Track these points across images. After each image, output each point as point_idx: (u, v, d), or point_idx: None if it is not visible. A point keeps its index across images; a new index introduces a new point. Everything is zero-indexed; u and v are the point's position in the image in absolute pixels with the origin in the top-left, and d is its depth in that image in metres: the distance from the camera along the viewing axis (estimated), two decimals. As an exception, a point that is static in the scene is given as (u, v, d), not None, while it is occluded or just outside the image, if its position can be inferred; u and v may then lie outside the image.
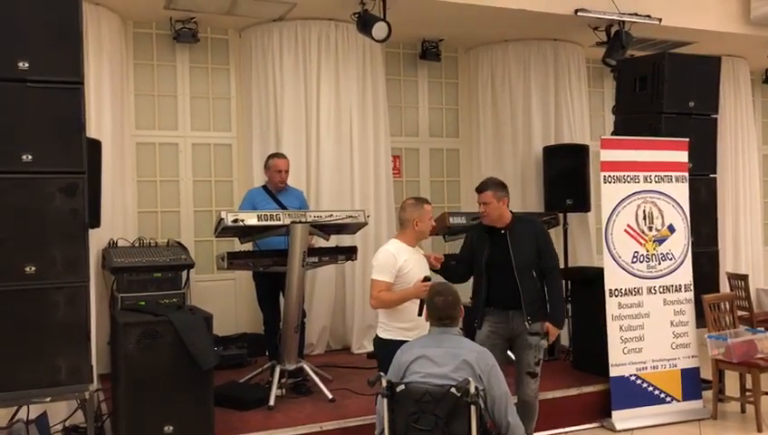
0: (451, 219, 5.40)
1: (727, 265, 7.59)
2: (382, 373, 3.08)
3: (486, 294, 4.08)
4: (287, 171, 5.35)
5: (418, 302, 3.67)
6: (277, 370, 4.77)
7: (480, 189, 4.12)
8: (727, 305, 5.40)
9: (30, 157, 3.53)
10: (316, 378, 4.85)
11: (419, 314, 3.65)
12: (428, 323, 3.29)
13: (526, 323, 4.00)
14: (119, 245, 5.37)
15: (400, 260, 3.78)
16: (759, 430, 4.80)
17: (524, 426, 3.93)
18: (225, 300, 6.33)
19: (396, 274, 3.77)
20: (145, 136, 6.24)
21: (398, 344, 3.44)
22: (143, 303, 4.81)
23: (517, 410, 3.93)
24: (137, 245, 5.40)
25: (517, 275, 3.99)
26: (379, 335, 3.84)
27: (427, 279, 3.71)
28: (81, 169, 3.66)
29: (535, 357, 4.04)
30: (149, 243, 5.44)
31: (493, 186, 4.11)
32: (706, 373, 5.25)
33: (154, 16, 6.08)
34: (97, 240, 5.11)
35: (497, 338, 4.07)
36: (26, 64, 3.51)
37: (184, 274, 5.33)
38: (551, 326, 4.04)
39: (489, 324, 4.08)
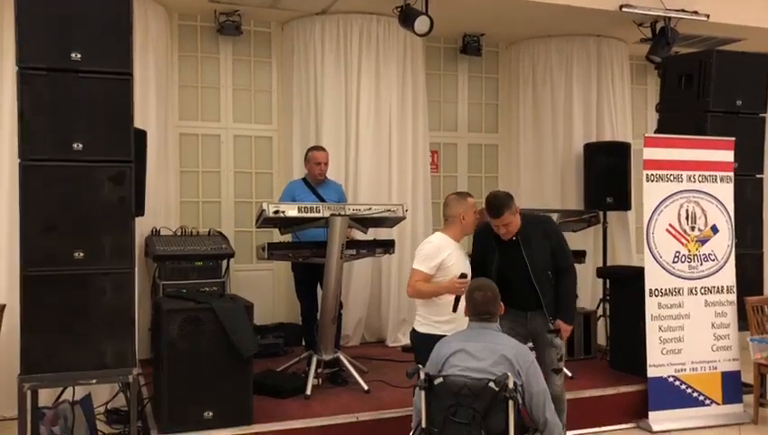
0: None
1: (772, 267, 7.42)
2: (420, 365, 3.10)
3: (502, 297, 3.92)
4: (326, 164, 5.40)
5: (454, 297, 3.69)
6: (314, 359, 4.82)
7: (497, 214, 3.84)
8: (771, 309, 5.29)
9: (81, 145, 3.64)
10: (352, 369, 4.89)
11: (454, 310, 3.68)
12: (467, 317, 3.30)
13: (550, 323, 3.94)
14: (161, 233, 5.50)
15: (443, 254, 3.81)
16: (801, 436, 4.71)
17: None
18: (263, 290, 6.41)
19: (437, 267, 3.81)
20: (188, 127, 6.35)
21: (434, 338, 3.48)
22: (185, 290, 4.93)
23: None
24: (179, 233, 5.52)
25: (534, 279, 3.89)
26: (416, 329, 3.88)
27: (463, 276, 3.72)
28: (128, 159, 3.77)
29: (557, 354, 4.02)
30: (191, 232, 5.56)
31: (506, 205, 3.86)
32: (748, 377, 5.15)
33: (199, 9, 6.18)
34: (140, 228, 5.19)
35: (516, 336, 3.87)
36: (79, 55, 3.62)
37: (224, 263, 5.44)
38: (562, 323, 3.95)
39: (507, 323, 3.91)
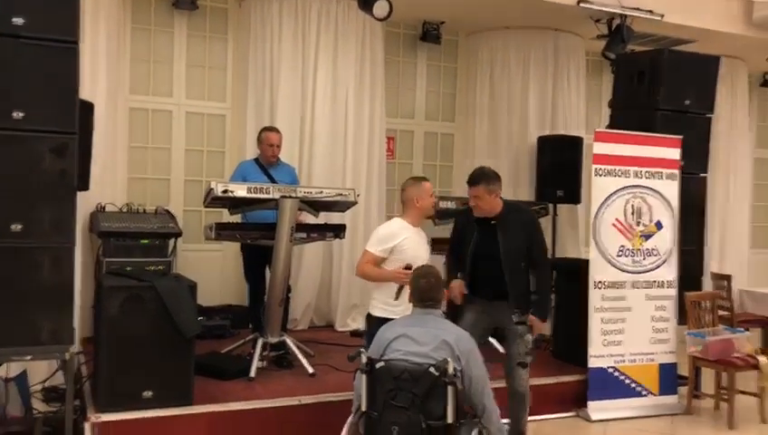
0: (441, 204, 5.40)
1: (713, 265, 7.65)
2: (362, 349, 3.10)
3: (470, 282, 4.03)
4: (279, 146, 5.34)
5: (397, 286, 3.73)
6: (260, 342, 4.78)
7: (472, 183, 3.96)
8: (709, 304, 5.45)
9: (21, 114, 3.51)
10: (298, 352, 4.87)
11: (395, 299, 3.73)
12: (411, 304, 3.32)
13: (514, 315, 3.95)
14: (107, 209, 5.34)
15: (398, 239, 3.83)
16: (731, 427, 4.87)
17: (518, 417, 4.03)
18: (212, 270, 6.32)
19: (389, 250, 3.83)
20: (139, 101, 6.20)
21: (388, 321, 3.52)
22: (129, 268, 4.81)
23: (510, 401, 4.00)
24: (125, 210, 5.37)
25: (504, 267, 3.91)
26: (371, 313, 3.90)
27: (408, 267, 3.74)
28: (72, 130, 3.65)
29: (526, 347, 4.00)
30: (138, 209, 5.41)
31: (485, 179, 3.95)
32: (684, 370, 5.31)
33: (154, -19, 6.03)
34: (85, 203, 5.08)
35: (481, 326, 4.04)
36: (21, 20, 3.48)
37: (171, 242, 5.32)
38: (534, 319, 3.98)
39: (473, 313, 4.03)
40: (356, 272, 3.99)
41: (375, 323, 3.77)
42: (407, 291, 3.53)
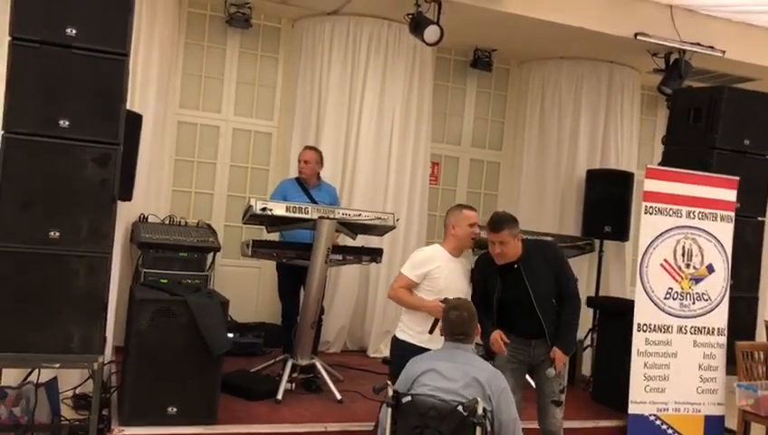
0: (482, 233, 5.27)
1: (767, 313, 7.29)
2: (389, 382, 2.99)
3: (502, 323, 3.83)
4: (311, 163, 5.30)
5: (433, 319, 3.64)
6: (289, 363, 4.72)
7: (496, 229, 3.74)
8: (762, 355, 5.16)
9: (67, 123, 3.55)
10: (327, 377, 4.78)
11: (430, 332, 3.64)
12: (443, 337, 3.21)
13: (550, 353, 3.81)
14: (149, 220, 5.40)
15: (432, 265, 3.76)
16: (781, 488, 4.58)
17: None
18: (248, 287, 6.32)
19: (423, 276, 3.76)
20: (188, 116, 6.27)
21: (411, 347, 3.56)
22: (165, 281, 4.82)
23: None
24: (167, 222, 5.42)
25: (537, 307, 3.76)
26: (397, 335, 3.84)
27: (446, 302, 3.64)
28: (116, 141, 3.67)
29: (560, 385, 3.85)
30: (180, 222, 5.46)
31: (507, 223, 3.78)
32: (731, 423, 5.02)
33: (209, -2, 6.13)
34: (128, 214, 5.14)
35: (517, 363, 3.88)
36: (74, 31, 3.53)
37: (210, 256, 5.34)
38: (558, 351, 3.80)
39: (510, 350, 3.83)
40: (389, 294, 3.93)
41: (399, 346, 3.74)
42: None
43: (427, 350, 3.48)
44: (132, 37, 3.80)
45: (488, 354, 4.07)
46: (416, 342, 3.69)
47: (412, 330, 3.76)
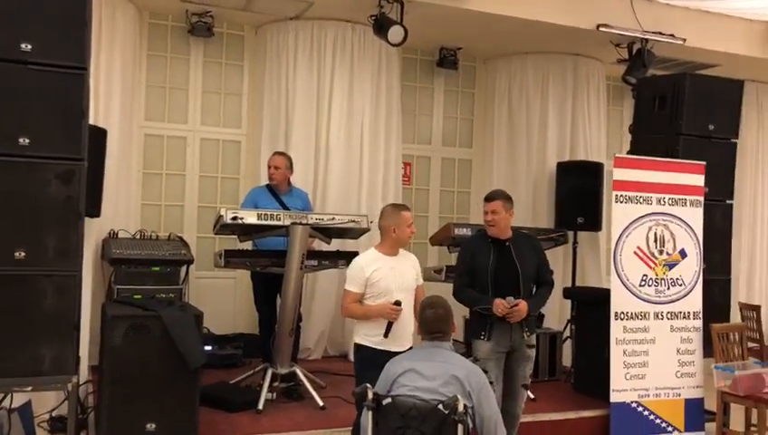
0: (456, 230, 5.28)
1: (740, 294, 7.41)
2: (368, 385, 2.96)
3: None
4: (280, 168, 5.24)
5: (386, 322, 3.67)
6: (269, 373, 4.67)
7: (490, 198, 4.09)
8: (737, 336, 5.24)
9: (27, 140, 3.47)
10: (308, 384, 4.74)
11: (385, 336, 3.67)
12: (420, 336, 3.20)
13: (525, 334, 4.01)
14: (119, 236, 5.30)
15: (368, 271, 3.74)
16: (762, 466, 4.63)
17: None
18: (225, 299, 6.26)
19: (364, 284, 3.76)
20: (154, 128, 6.20)
21: (371, 350, 3.66)
22: (139, 296, 4.74)
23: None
24: (137, 237, 5.33)
25: (522, 284, 3.97)
26: (356, 341, 3.85)
27: (397, 303, 3.68)
28: (79, 157, 3.60)
29: (530, 369, 4.12)
30: (150, 236, 5.37)
31: (502, 196, 4.11)
32: (711, 405, 5.08)
33: (170, 8, 6.05)
34: (97, 230, 5.06)
35: (500, 351, 4.01)
36: (29, 46, 3.46)
37: (183, 269, 5.26)
38: (523, 302, 3.91)
39: (494, 337, 3.99)
40: (342, 313, 3.97)
41: (360, 352, 3.78)
42: (404, 327, 3.62)
43: (388, 352, 3.54)
44: (92, 51, 3.74)
45: (468, 351, 4.10)
46: (374, 345, 3.71)
47: (368, 335, 3.76)
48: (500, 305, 3.88)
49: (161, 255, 5.08)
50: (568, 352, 6.10)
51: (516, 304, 3.89)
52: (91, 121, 4.32)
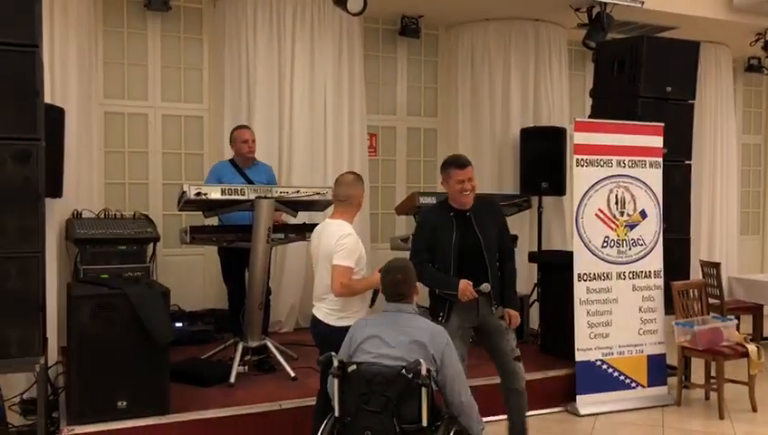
0: (421, 199, 5.32)
1: (701, 252, 7.59)
2: (333, 353, 3.01)
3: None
4: (254, 141, 5.24)
5: (372, 291, 3.59)
6: (240, 346, 4.70)
7: (464, 164, 3.74)
8: (697, 293, 5.39)
9: (-22, 121, 3.41)
10: (279, 356, 4.79)
11: (371, 306, 3.58)
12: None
13: (493, 308, 3.79)
14: (83, 216, 5.25)
15: (360, 244, 3.63)
16: (721, 417, 4.81)
17: (523, 418, 3.89)
18: (194, 275, 6.24)
19: (360, 258, 3.61)
20: (114, 105, 6.09)
21: (341, 330, 3.34)
22: (106, 275, 4.72)
23: (511, 400, 3.86)
24: (102, 216, 5.28)
25: (487, 258, 3.74)
26: (331, 323, 3.61)
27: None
28: (35, 136, 3.55)
29: (514, 339, 3.86)
30: (115, 215, 5.32)
31: (470, 162, 3.83)
32: (673, 360, 5.25)
33: (125, -17, 5.92)
34: (61, 211, 5.00)
35: (467, 329, 3.82)
36: (-27, 26, 3.38)
37: (150, 247, 5.24)
38: (513, 312, 3.83)
39: (457, 314, 3.76)
40: (340, 292, 3.52)
41: (339, 332, 3.38)
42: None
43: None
44: (44, 28, 3.66)
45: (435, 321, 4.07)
46: (349, 323, 3.34)
47: (350, 314, 3.53)
48: (466, 291, 3.63)
49: (126, 233, 5.05)
50: (536, 315, 6.23)
51: (486, 289, 3.70)
52: (48, 100, 4.25)
